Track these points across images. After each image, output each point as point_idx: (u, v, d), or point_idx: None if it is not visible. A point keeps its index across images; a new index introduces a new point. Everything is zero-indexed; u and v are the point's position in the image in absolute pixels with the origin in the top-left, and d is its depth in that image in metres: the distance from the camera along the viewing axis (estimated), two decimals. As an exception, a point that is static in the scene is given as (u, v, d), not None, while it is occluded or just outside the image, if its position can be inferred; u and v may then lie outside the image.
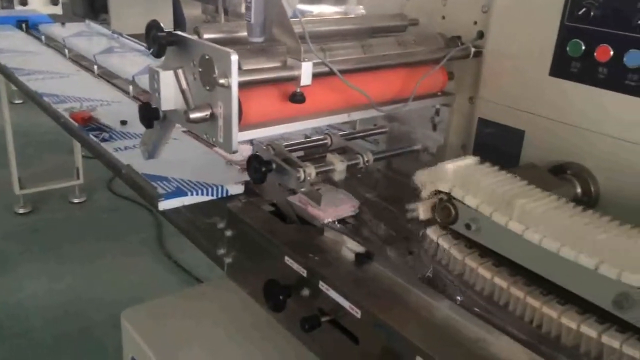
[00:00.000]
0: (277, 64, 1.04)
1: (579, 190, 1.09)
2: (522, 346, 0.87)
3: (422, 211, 0.99)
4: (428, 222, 1.01)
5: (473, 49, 1.25)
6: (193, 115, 0.98)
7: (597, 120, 1.07)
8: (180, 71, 0.99)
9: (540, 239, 0.83)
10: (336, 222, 1.19)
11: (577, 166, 1.11)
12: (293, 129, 1.11)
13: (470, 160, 1.00)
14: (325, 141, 1.34)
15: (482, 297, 0.94)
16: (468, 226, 0.92)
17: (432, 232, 1.00)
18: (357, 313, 0.96)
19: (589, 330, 0.79)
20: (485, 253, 0.94)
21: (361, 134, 1.48)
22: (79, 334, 2.55)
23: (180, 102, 1.06)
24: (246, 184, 1.34)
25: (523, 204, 0.87)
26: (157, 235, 3.36)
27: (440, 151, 1.38)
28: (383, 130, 1.48)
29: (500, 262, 0.92)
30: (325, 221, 1.17)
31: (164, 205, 1.19)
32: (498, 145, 1.25)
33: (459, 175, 0.95)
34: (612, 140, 1.05)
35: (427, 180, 0.98)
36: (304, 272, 1.06)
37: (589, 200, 1.08)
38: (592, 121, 1.08)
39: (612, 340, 0.77)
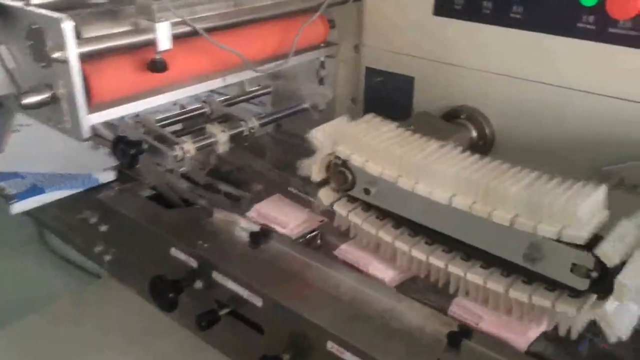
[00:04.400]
0: (127, 28, 0.88)
1: (474, 134, 1.04)
2: (434, 310, 0.81)
3: (315, 172, 0.89)
4: (321, 184, 0.91)
5: (351, -7, 1.15)
6: (27, 100, 0.81)
7: (485, 59, 1.02)
8: (2, 47, 0.81)
9: (450, 199, 0.76)
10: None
11: (470, 109, 1.05)
12: (157, 102, 0.97)
13: (368, 118, 0.91)
14: (204, 110, 1.20)
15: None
16: (367, 191, 0.83)
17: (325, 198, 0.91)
18: (258, 301, 0.87)
19: (497, 285, 0.74)
20: (386, 216, 0.87)
21: (244, 98, 1.34)
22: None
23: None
24: (119, 168, 1.18)
25: (422, 162, 0.80)
26: (38, 231, 3.06)
27: (330, 106, 1.29)
28: (267, 90, 1.36)
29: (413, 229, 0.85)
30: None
31: (18, 207, 1.01)
32: (389, 95, 1.17)
33: (356, 140, 0.85)
34: (501, 78, 1.00)
35: (326, 141, 0.88)
36: (194, 263, 0.94)
37: (484, 144, 1.04)
38: (480, 60, 1.02)
39: (520, 293, 0.72)
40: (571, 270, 0.66)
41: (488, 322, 0.76)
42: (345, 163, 0.85)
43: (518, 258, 0.71)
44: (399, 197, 0.81)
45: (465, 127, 1.04)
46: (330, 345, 0.78)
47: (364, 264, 0.89)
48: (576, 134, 0.93)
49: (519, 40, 0.96)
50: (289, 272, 0.90)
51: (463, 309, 0.79)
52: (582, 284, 0.66)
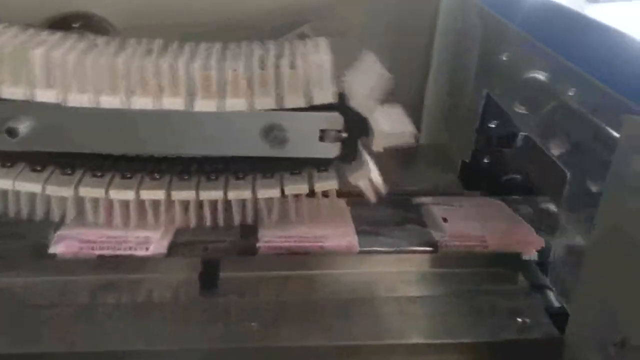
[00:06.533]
0: None
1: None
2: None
3: None
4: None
5: None
6: None
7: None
8: None
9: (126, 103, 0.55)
10: None
11: (83, 15, 0.81)
12: None
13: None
14: None
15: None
16: (11, 132, 0.53)
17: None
18: None
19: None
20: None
21: None
22: None
23: None
24: None
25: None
26: None
27: None
28: None
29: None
30: None
31: None
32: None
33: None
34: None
35: None
36: None
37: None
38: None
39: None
40: (320, 139, 0.58)
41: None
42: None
43: (258, 148, 0.57)
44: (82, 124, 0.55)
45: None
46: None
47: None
48: (225, 8, 0.82)
49: None
50: None
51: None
52: (333, 150, 0.59)
